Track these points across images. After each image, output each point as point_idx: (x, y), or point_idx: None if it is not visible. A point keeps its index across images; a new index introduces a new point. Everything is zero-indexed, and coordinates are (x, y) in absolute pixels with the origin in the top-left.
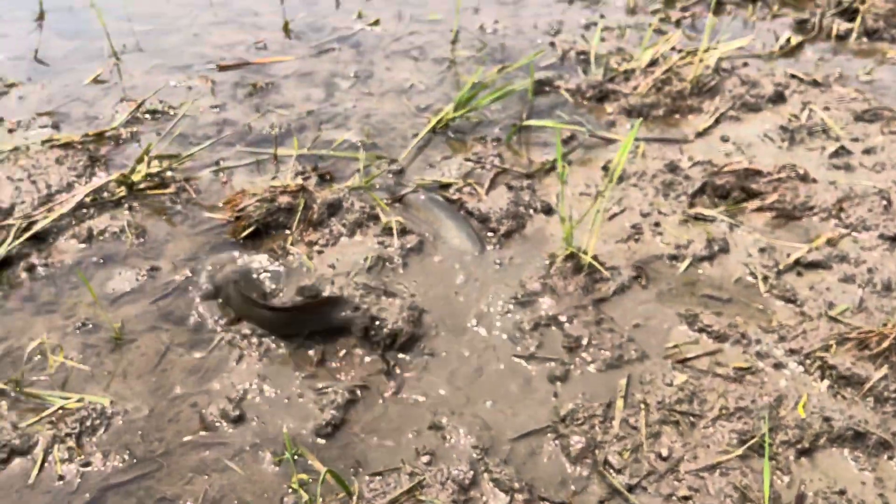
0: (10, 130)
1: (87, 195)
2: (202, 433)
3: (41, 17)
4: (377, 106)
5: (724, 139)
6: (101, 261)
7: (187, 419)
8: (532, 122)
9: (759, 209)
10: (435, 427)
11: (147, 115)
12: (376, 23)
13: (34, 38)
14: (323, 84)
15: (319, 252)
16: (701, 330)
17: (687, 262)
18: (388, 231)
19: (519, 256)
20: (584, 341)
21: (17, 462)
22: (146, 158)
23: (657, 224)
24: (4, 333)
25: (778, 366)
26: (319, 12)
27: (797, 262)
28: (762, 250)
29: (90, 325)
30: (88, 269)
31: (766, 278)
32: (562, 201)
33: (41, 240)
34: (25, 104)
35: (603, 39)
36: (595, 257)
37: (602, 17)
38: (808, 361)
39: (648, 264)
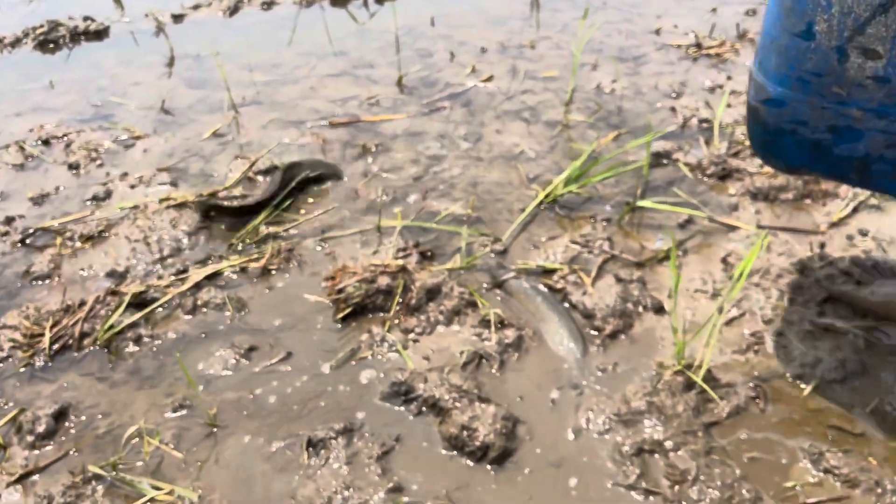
0: (132, 186)
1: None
2: None
3: (171, 63)
4: (484, 174)
5: (863, 233)
6: (203, 335)
7: None
8: (646, 204)
9: None
10: None
11: (259, 176)
12: (489, 79)
13: (163, 86)
14: (432, 147)
15: (415, 341)
16: (826, 471)
17: (813, 384)
18: (486, 322)
19: (624, 363)
20: (692, 475)
21: None
22: (265, 237)
23: (781, 334)
24: (109, 408)
25: None
26: (434, 65)
27: None
28: None
29: (187, 408)
30: (190, 345)
31: None
32: (674, 314)
33: (147, 305)
34: (148, 158)
35: (729, 106)
36: (709, 371)
37: (729, 78)
38: None
39: (768, 382)
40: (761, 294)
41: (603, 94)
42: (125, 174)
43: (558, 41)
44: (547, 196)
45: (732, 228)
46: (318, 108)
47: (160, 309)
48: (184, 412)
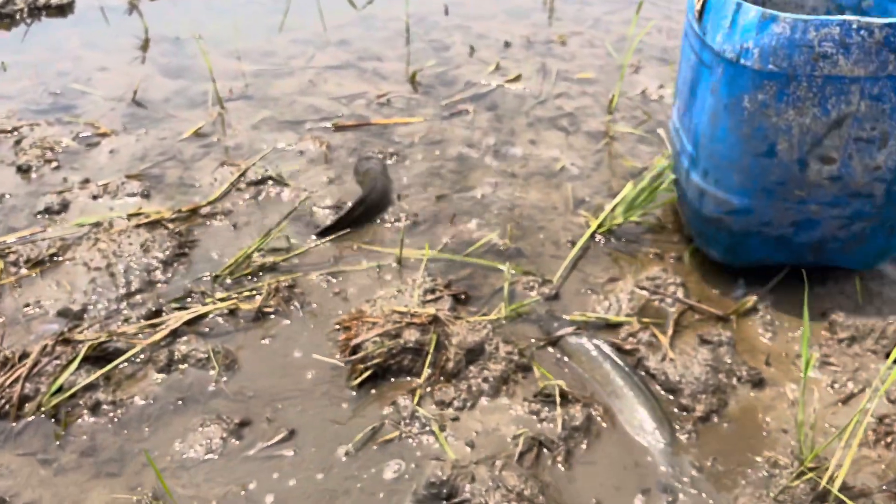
0: (95, 197)
1: (181, 322)
2: None
3: (145, 46)
4: (521, 194)
5: None
6: (180, 402)
7: None
8: None
9: None
10: None
11: (251, 187)
12: (517, 78)
13: (136, 73)
14: (456, 158)
15: (454, 419)
16: None
17: None
18: (544, 396)
19: (724, 458)
20: None
21: None
22: (260, 269)
23: None
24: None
25: None
26: (451, 60)
27: None
28: None
29: None
30: (163, 416)
31: None
32: (801, 405)
33: (108, 360)
34: (116, 161)
35: None
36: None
37: None
38: None
39: None
40: (879, 360)
41: (650, 102)
42: (86, 181)
43: (591, 38)
44: (600, 226)
45: (828, 270)
46: (318, 107)
47: (125, 364)
48: None
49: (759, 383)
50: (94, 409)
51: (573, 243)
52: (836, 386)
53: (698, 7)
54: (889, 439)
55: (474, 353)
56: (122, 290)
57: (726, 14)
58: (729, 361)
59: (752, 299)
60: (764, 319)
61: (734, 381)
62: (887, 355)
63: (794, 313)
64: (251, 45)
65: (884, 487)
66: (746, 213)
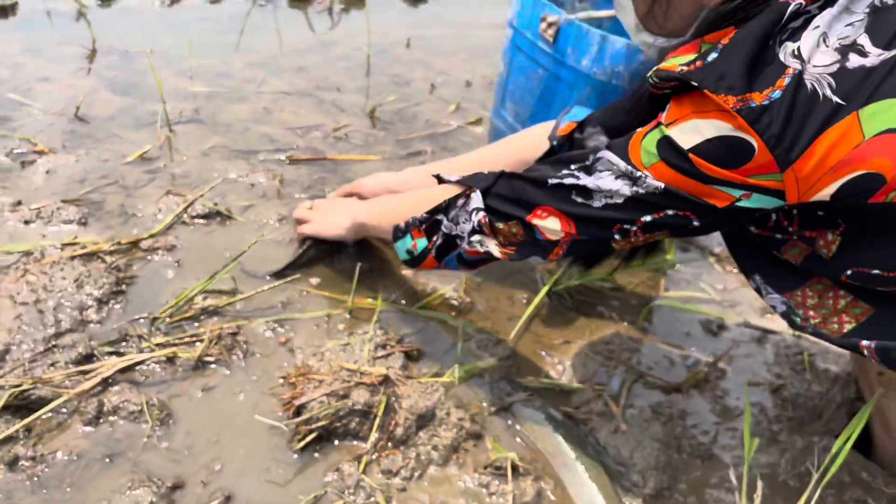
0: (27, 222)
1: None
2: None
3: (92, 57)
4: None
5: None
6: (108, 459)
7: None
8: (669, 303)
9: None
10: None
11: (197, 220)
12: (478, 122)
13: (80, 87)
14: None
15: (402, 489)
16: None
17: None
18: (494, 467)
19: None
20: None
21: None
22: (202, 312)
23: None
24: None
25: None
26: (412, 96)
27: None
28: None
29: None
30: (88, 472)
31: None
32: (744, 489)
33: (31, 410)
34: (52, 182)
35: None
36: None
37: None
38: None
39: None
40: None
41: None
42: (18, 203)
43: None
44: (557, 283)
45: (770, 332)
46: (272, 136)
47: (49, 413)
48: None
49: (708, 458)
50: (12, 464)
51: (528, 302)
52: (783, 464)
53: (552, 33)
54: None
55: (425, 419)
56: (51, 330)
57: (592, 43)
58: (679, 435)
59: (702, 371)
60: (714, 392)
61: (684, 455)
62: (836, 436)
63: (738, 378)
64: (204, 64)
65: None
66: None
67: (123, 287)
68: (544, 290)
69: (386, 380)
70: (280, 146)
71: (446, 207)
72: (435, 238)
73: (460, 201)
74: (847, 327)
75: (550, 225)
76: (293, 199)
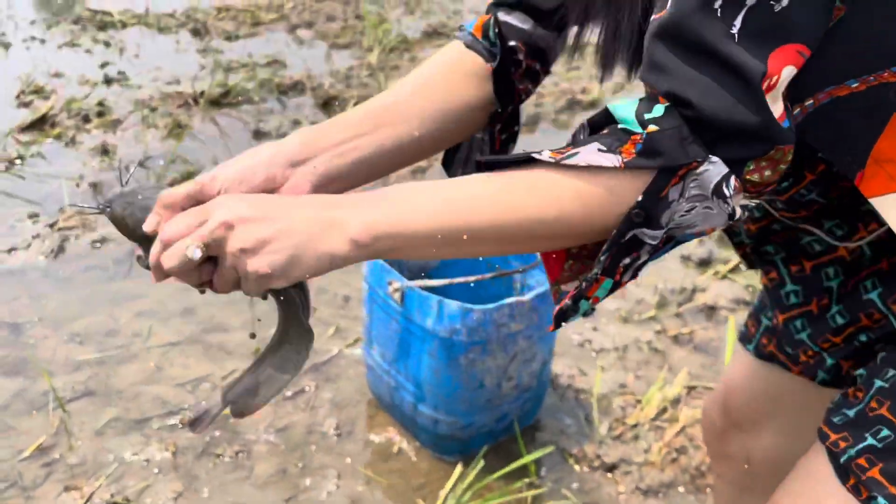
0: None
1: None
2: None
3: None
4: (366, 492)
5: None
6: None
7: None
8: None
9: None
10: None
11: None
12: (355, 342)
13: None
14: (299, 448)
15: None
16: None
17: None
18: None
19: None
20: None
21: None
22: None
23: None
24: None
25: None
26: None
27: None
28: None
29: None
30: None
31: None
32: None
33: None
34: None
35: (602, 369)
36: None
37: (595, 329)
38: None
39: None
40: None
41: None
42: None
43: None
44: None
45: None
46: (164, 398)
47: None
48: None
49: None
50: None
51: None
52: None
53: (398, 297)
54: None
55: None
56: None
57: (431, 306)
58: None
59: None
60: None
61: None
62: None
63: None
64: (93, 323)
65: None
66: (471, 425)
67: None
68: None
69: None
70: (172, 408)
71: (647, 213)
72: (627, 261)
73: (672, 194)
74: None
75: (786, 74)
76: (187, 471)
